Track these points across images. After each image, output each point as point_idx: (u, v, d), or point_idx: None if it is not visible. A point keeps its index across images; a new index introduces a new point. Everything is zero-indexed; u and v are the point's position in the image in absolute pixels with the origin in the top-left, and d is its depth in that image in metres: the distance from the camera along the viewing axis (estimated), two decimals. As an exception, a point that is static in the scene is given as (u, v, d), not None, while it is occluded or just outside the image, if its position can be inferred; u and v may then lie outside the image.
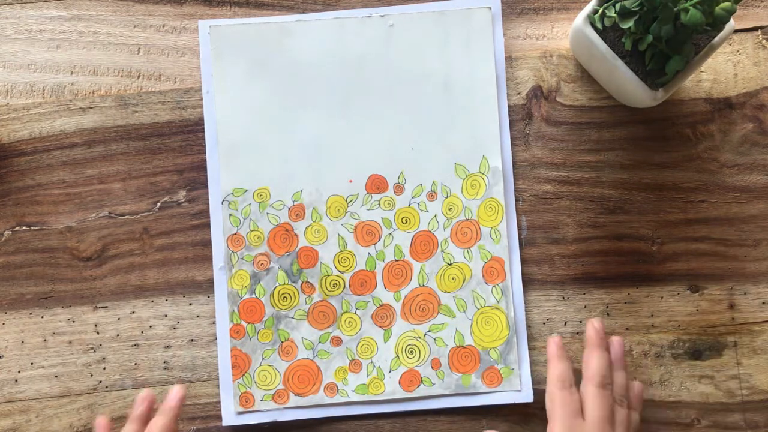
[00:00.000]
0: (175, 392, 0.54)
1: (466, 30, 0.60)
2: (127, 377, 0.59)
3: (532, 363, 0.59)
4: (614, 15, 0.53)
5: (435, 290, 0.59)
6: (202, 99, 0.60)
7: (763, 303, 0.60)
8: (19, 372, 0.59)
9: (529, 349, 0.59)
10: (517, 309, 0.59)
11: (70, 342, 0.59)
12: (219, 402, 0.58)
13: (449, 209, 0.60)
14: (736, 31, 0.60)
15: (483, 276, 0.59)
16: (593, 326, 0.54)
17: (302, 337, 0.59)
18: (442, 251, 0.59)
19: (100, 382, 0.59)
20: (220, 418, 0.58)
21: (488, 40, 0.60)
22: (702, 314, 0.60)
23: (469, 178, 0.60)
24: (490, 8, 0.60)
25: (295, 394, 0.58)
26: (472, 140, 0.60)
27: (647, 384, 0.59)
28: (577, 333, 0.59)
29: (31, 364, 0.59)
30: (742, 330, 0.60)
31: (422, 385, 0.58)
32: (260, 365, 0.59)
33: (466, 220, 0.59)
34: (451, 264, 0.59)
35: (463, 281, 0.59)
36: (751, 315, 0.60)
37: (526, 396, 0.58)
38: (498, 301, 0.59)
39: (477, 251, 0.59)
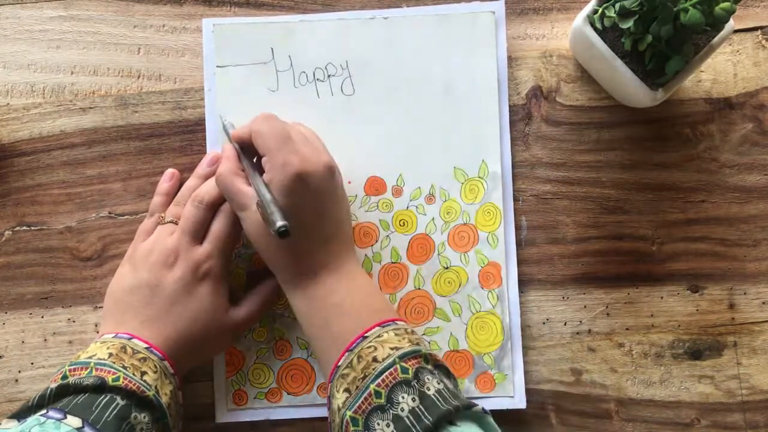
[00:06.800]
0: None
1: (469, 34, 0.60)
2: (127, 377, 0.59)
3: (528, 367, 0.59)
4: (614, 15, 0.52)
5: (431, 294, 0.59)
6: (202, 99, 0.60)
7: (763, 303, 0.60)
8: (19, 372, 0.59)
9: (528, 349, 0.59)
10: (512, 315, 0.59)
11: (70, 342, 0.59)
12: (212, 400, 0.58)
13: (447, 213, 0.59)
14: (735, 31, 0.60)
15: (479, 281, 0.59)
16: None
17: (297, 337, 0.59)
18: (438, 255, 0.59)
19: (101, 381, 0.59)
20: (213, 415, 0.58)
21: (491, 45, 0.60)
22: (702, 314, 0.60)
23: (468, 182, 0.59)
24: (493, 13, 0.60)
25: (288, 393, 0.58)
26: (472, 144, 0.59)
27: (647, 384, 0.59)
28: (577, 333, 0.59)
29: (32, 364, 0.59)
30: (742, 330, 0.60)
31: None
32: (254, 363, 0.59)
33: (464, 224, 0.59)
34: (447, 268, 0.59)
35: (459, 285, 0.59)
36: (751, 315, 0.60)
37: (519, 402, 0.58)
38: (494, 307, 0.58)
39: (474, 256, 0.59)
